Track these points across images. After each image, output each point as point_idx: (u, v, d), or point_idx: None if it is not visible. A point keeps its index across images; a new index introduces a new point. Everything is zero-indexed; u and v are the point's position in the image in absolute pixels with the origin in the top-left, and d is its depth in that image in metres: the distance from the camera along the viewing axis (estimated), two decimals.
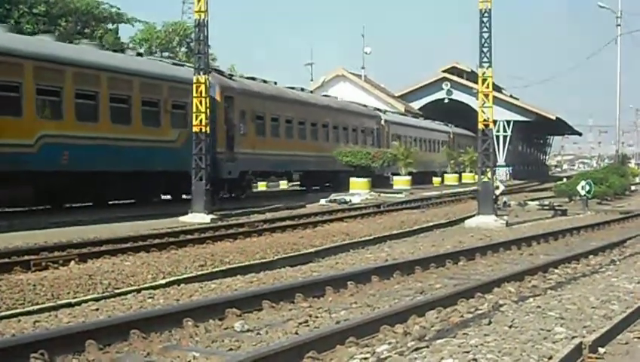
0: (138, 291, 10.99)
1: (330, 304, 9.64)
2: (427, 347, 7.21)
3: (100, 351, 7.06)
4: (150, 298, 10.38)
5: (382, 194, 35.42)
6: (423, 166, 49.68)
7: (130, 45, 54.59)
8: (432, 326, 8.14)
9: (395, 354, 7.01)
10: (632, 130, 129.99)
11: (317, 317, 8.85)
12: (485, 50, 22.80)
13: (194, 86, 23.29)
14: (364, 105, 49.14)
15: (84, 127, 23.00)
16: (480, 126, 23.15)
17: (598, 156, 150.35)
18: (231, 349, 7.44)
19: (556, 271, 12.59)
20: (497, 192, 24.16)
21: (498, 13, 47.65)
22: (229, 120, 30.13)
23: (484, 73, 23.05)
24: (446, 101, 70.12)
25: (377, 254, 15.52)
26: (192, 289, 10.99)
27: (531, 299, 9.92)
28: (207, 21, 23.52)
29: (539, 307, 9.27)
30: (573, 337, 7.62)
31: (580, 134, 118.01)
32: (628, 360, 7.30)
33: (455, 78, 70.59)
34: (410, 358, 6.86)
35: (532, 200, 32.09)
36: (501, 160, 66.79)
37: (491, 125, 23.32)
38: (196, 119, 23.20)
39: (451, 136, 64.17)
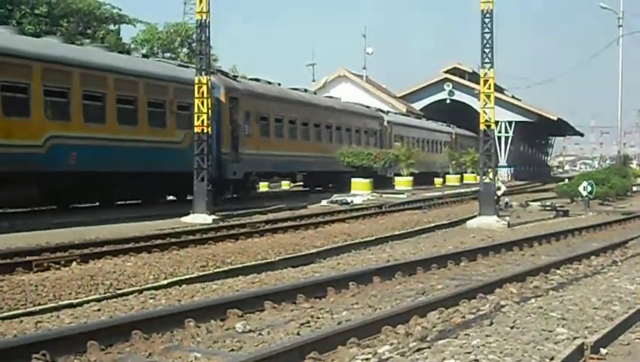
0: (140, 292, 11.00)
1: (332, 304, 9.64)
2: (429, 347, 7.21)
3: (101, 351, 7.06)
4: (152, 298, 10.39)
5: (383, 195, 35.41)
6: (424, 166, 49.70)
7: (132, 46, 54.66)
8: (434, 327, 8.13)
9: (397, 354, 7.00)
10: (634, 131, 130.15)
11: (319, 317, 8.85)
12: (487, 50, 22.79)
13: (196, 87, 23.30)
14: (367, 107, 49.21)
15: (91, 128, 23.18)
16: (482, 127, 23.14)
17: (599, 157, 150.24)
18: (232, 350, 7.44)
19: (558, 271, 12.59)
20: (499, 193, 24.15)
21: (500, 14, 47.69)
22: (233, 121, 30.24)
23: (485, 74, 23.04)
24: (448, 102, 70.12)
25: (379, 255, 15.51)
26: (193, 290, 10.99)
27: (533, 300, 9.92)
28: (209, 22, 23.54)
29: (541, 308, 9.26)
30: (575, 338, 7.62)
31: (581, 135, 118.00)
32: (630, 360, 7.30)
33: (457, 78, 70.59)
34: (412, 359, 6.86)
35: (534, 200, 32.08)
36: (503, 160, 66.80)
37: (493, 126, 23.31)
38: (198, 120, 23.21)
39: (453, 136, 64.16)
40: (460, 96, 69.01)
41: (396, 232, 20.11)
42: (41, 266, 12.73)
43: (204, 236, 17.66)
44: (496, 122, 26.06)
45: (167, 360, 7.06)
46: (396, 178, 43.74)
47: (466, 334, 7.79)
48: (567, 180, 47.16)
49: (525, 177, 72.85)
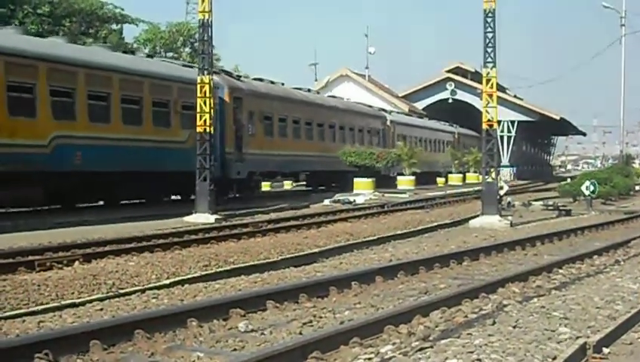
0: (142, 291, 11.00)
1: (334, 304, 9.64)
2: (431, 347, 7.21)
3: (104, 351, 7.07)
4: (154, 298, 10.39)
5: (386, 195, 35.40)
6: (427, 166, 49.71)
7: (135, 46, 54.68)
8: (437, 327, 8.13)
9: (399, 354, 7.00)
10: (636, 131, 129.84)
11: (321, 317, 8.85)
12: (489, 50, 22.77)
13: (198, 86, 23.32)
14: (370, 106, 49.30)
15: (96, 128, 23.25)
16: (484, 126, 23.12)
17: (602, 156, 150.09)
18: (235, 349, 7.44)
19: (560, 271, 12.58)
20: (501, 192, 24.15)
21: (502, 13, 47.63)
22: (237, 120, 30.34)
23: (488, 73, 23.02)
24: (450, 101, 70.10)
25: (381, 254, 15.51)
26: (196, 290, 11.00)
27: (535, 300, 9.92)
28: (212, 21, 23.57)
29: (543, 307, 9.26)
30: (578, 337, 7.62)
31: (584, 134, 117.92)
32: (632, 360, 7.29)
33: (459, 78, 70.59)
34: (415, 358, 6.86)
35: (536, 200, 32.07)
36: (505, 160, 66.79)
37: (495, 125, 23.28)
38: (200, 119, 23.24)
39: (456, 136, 64.16)
40: (463, 96, 69.01)
41: (399, 232, 20.09)
42: (44, 266, 12.72)
43: (207, 235, 17.65)
44: (499, 122, 26.07)
45: (169, 360, 7.06)
46: (398, 177, 43.73)
47: (468, 333, 7.79)
48: (569, 180, 47.13)
49: (528, 177, 72.81)
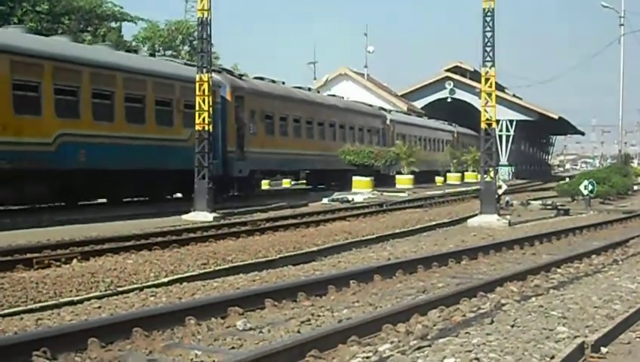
0: (140, 289, 11.00)
1: (333, 303, 9.64)
2: (429, 346, 7.21)
3: (102, 349, 7.06)
4: (152, 296, 10.38)
5: (384, 193, 35.43)
6: (425, 165, 49.80)
7: (134, 44, 54.67)
8: (435, 325, 8.13)
9: (398, 353, 7.00)
10: (635, 130, 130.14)
11: (319, 315, 8.85)
12: (488, 49, 22.78)
13: (197, 84, 23.32)
14: (370, 105, 49.44)
15: (100, 127, 23.43)
16: (483, 125, 23.13)
17: (600, 156, 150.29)
18: (233, 347, 7.44)
19: (559, 270, 12.58)
20: (500, 192, 24.16)
21: (501, 13, 47.67)
22: (239, 119, 30.55)
23: (487, 72, 23.03)
24: (449, 100, 70.14)
25: (380, 253, 15.51)
26: (194, 288, 10.99)
27: (534, 299, 9.92)
28: (211, 20, 23.57)
29: (541, 306, 9.27)
30: (576, 337, 7.62)
31: (582, 134, 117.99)
32: (630, 359, 7.30)
33: (458, 77, 70.60)
34: (413, 357, 6.86)
35: (535, 199, 32.07)
36: (504, 159, 66.81)
37: (494, 124, 23.29)
38: (199, 117, 23.24)
39: (455, 135, 64.21)
40: (461, 95, 69.03)
41: (397, 230, 20.10)
42: (42, 263, 12.73)
43: (205, 234, 17.66)
44: (497, 121, 26.06)
45: (167, 358, 7.06)
46: (397, 176, 43.81)
47: (466, 332, 7.79)
48: (568, 179, 47.17)
49: (526, 176, 72.85)
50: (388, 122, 48.71)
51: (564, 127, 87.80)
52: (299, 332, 7.99)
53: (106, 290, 10.93)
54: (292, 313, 8.94)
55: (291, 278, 11.74)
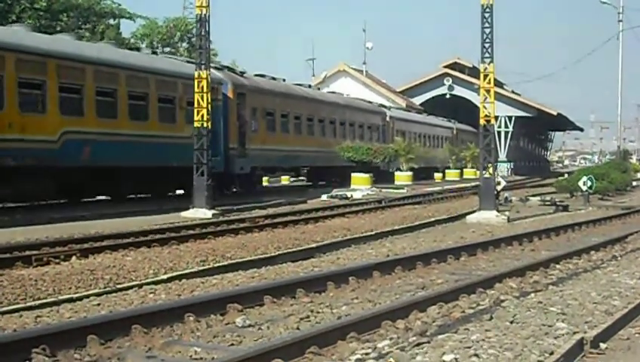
0: (139, 286, 10.99)
1: (332, 299, 9.64)
2: (428, 342, 7.21)
3: (101, 345, 7.06)
4: (152, 293, 10.38)
5: (383, 190, 35.44)
6: (424, 161, 49.84)
7: (132, 41, 54.63)
8: (434, 322, 8.14)
9: (397, 349, 7.01)
10: (633, 126, 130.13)
11: (318, 312, 8.85)
12: (487, 45, 22.74)
13: (195, 81, 23.30)
14: (370, 102, 49.53)
15: (104, 124, 23.59)
16: (481, 121, 23.11)
17: (599, 152, 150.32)
18: (232, 344, 7.44)
19: (558, 266, 12.59)
20: (499, 188, 24.14)
21: (500, 9, 47.64)
22: (241, 116, 30.78)
23: (485, 69, 23.00)
24: (447, 97, 70.14)
25: (379, 249, 15.51)
26: (193, 285, 10.99)
27: (533, 295, 9.93)
28: (209, 16, 23.53)
29: (540, 302, 9.27)
30: (575, 332, 7.63)
31: (581, 130, 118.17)
32: (629, 355, 7.30)
33: (457, 73, 70.59)
34: (412, 353, 6.86)
35: (533, 195, 32.07)
36: (502, 155, 66.83)
37: (493, 121, 23.27)
38: (197, 114, 23.22)
39: (454, 132, 64.23)
40: (460, 91, 69.02)
41: (396, 227, 20.09)
42: (41, 261, 12.73)
43: (204, 231, 17.66)
44: (496, 117, 26.02)
45: (166, 355, 7.06)
46: (396, 173, 43.84)
47: (465, 329, 7.80)
48: (566, 175, 47.20)
49: (525, 172, 72.91)
50: (388, 119, 48.80)
51: (562, 123, 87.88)
52: (298, 328, 7.99)
53: (105, 287, 10.93)
54: (291, 309, 8.94)
55: (290, 275, 11.74)
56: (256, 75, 34.95)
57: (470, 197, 31.66)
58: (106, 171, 23.90)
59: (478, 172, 26.07)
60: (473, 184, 37.11)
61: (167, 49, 56.97)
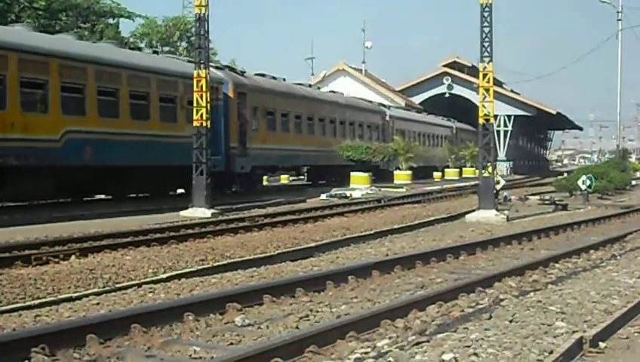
0: (139, 285, 10.99)
1: (331, 298, 9.64)
2: (428, 341, 7.21)
3: (100, 345, 7.06)
4: (151, 292, 10.38)
5: (382, 189, 35.44)
6: (423, 160, 49.87)
7: (131, 40, 54.58)
8: (433, 321, 8.14)
9: (396, 348, 7.00)
10: (633, 125, 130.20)
11: (318, 311, 8.85)
12: (486, 44, 22.75)
13: (194, 80, 23.30)
14: (370, 101, 49.62)
15: (105, 123, 23.68)
16: (481, 120, 23.12)
17: (598, 151, 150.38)
18: (231, 343, 7.44)
19: (557, 265, 12.59)
20: (498, 187, 24.15)
21: (499, 8, 47.67)
22: (241, 116, 30.91)
23: (484, 68, 23.00)
24: (447, 96, 70.17)
25: (378, 249, 15.51)
26: (192, 284, 10.99)
27: (532, 294, 9.93)
28: (208, 15, 23.53)
29: (540, 301, 9.27)
30: (574, 331, 7.63)
31: (580, 129, 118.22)
32: (629, 354, 7.30)
33: (456, 72, 70.61)
34: (411, 353, 6.86)
35: (533, 194, 32.10)
36: (502, 154, 66.87)
37: (492, 120, 23.28)
38: (197, 113, 23.21)
39: (454, 131, 64.24)
40: (459, 90, 69.04)
41: (395, 226, 20.08)
42: (40, 260, 12.72)
43: (203, 230, 17.66)
44: (495, 116, 26.00)
45: (166, 354, 7.05)
46: (395, 172, 43.86)
47: (465, 328, 7.80)
48: (566, 174, 47.23)
49: (524, 171, 72.96)
50: (387, 118, 48.88)
51: (562, 122, 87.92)
52: (297, 327, 7.99)
53: (104, 287, 10.92)
54: (290, 309, 8.94)
55: (289, 274, 11.74)
56: (257, 75, 35.04)
57: (469, 196, 31.67)
58: (107, 170, 24.03)
59: (477, 171, 26.06)
60: (472, 183, 37.12)
61: (167, 48, 56.93)
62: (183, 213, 21.94)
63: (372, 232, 18.56)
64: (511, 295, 9.78)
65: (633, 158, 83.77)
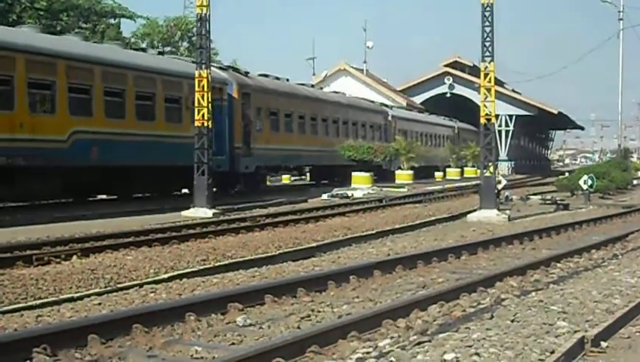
0: (140, 285, 10.99)
1: (333, 298, 9.64)
2: (429, 341, 7.21)
3: (102, 345, 7.06)
4: (152, 292, 10.38)
5: (384, 189, 35.45)
6: (425, 160, 49.90)
7: (132, 40, 54.59)
8: (435, 321, 8.13)
9: (397, 348, 7.00)
10: (634, 125, 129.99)
11: (319, 311, 8.85)
12: (487, 44, 22.74)
13: (196, 80, 23.30)
14: (372, 102, 49.72)
15: (112, 124, 23.85)
16: (482, 120, 23.11)
17: (600, 150, 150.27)
18: (233, 343, 7.44)
19: (558, 265, 12.58)
20: (499, 187, 24.15)
21: (500, 8, 47.65)
22: (245, 116, 31.10)
23: (486, 67, 22.99)
24: (448, 95, 70.12)
25: (379, 248, 15.51)
26: (194, 284, 11.00)
27: (534, 294, 9.92)
28: (209, 15, 23.53)
29: (541, 301, 9.27)
30: (576, 331, 7.62)
31: (582, 128, 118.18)
32: (630, 354, 7.30)
33: (457, 72, 70.58)
34: (413, 352, 6.86)
35: (534, 194, 32.10)
36: (503, 154, 66.84)
37: (493, 119, 23.27)
38: (198, 113, 23.21)
39: (456, 131, 64.24)
40: (461, 90, 69.01)
41: (397, 226, 20.08)
42: (42, 260, 12.72)
43: (205, 230, 17.66)
44: (497, 116, 26.03)
45: (167, 354, 7.06)
46: (397, 172, 43.88)
47: (466, 328, 7.80)
48: (567, 174, 47.20)
49: (526, 171, 72.92)
50: (390, 118, 48.97)
51: (563, 121, 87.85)
52: (299, 327, 7.99)
53: (105, 287, 10.93)
54: (292, 309, 8.94)
55: (291, 274, 11.74)
56: (260, 75, 35.17)
57: (471, 196, 31.65)
58: (114, 171, 24.20)
59: (478, 171, 26.05)
60: (474, 183, 37.10)
61: (168, 48, 56.90)
62: (184, 213, 21.95)
63: (373, 232, 18.55)
64: (512, 294, 9.78)
65: (635, 158, 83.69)
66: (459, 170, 56.25)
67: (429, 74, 72.49)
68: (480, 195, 23.52)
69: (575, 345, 7.03)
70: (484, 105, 23.00)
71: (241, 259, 13.78)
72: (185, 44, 61.13)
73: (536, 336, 7.39)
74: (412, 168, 44.11)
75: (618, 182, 36.83)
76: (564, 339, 7.29)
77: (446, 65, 72.18)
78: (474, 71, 58.91)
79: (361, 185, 35.74)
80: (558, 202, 27.25)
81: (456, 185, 42.13)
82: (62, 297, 10.10)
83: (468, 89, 65.34)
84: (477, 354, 6.75)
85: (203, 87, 23.21)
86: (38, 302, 9.81)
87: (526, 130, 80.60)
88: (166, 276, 11.85)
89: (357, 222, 20.65)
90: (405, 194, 32.40)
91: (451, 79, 70.06)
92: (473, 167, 53.96)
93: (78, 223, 18.50)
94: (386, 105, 51.78)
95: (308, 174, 44.99)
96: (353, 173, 37.13)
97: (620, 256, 14.20)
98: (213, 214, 21.85)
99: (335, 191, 31.87)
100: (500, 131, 65.63)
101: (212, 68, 24.82)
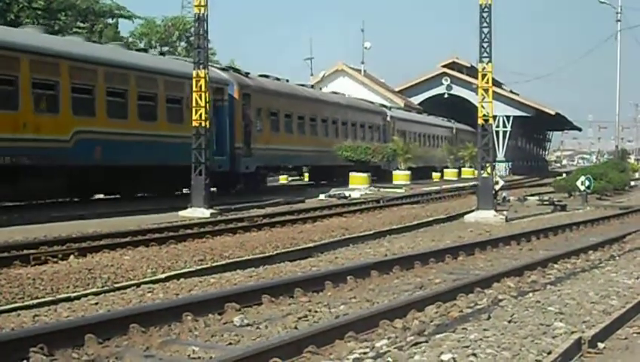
0: (137, 285, 10.98)
1: (330, 298, 9.64)
2: (426, 342, 7.21)
3: (99, 345, 7.06)
4: (149, 292, 10.38)
5: (381, 189, 35.46)
6: (422, 161, 49.94)
7: (130, 40, 54.56)
8: (432, 321, 8.14)
9: (394, 348, 7.00)
10: (631, 126, 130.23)
11: (316, 311, 8.85)
12: (485, 45, 22.75)
13: (193, 80, 23.29)
14: (371, 102, 49.84)
15: (114, 124, 24.00)
16: (480, 121, 23.13)
17: (597, 151, 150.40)
18: (230, 343, 7.44)
19: (556, 266, 12.59)
20: (497, 187, 24.16)
21: (498, 8, 47.68)
22: (246, 116, 31.22)
23: (483, 68, 23.01)
24: (446, 96, 70.11)
25: (377, 249, 15.51)
26: (191, 284, 10.99)
27: (531, 294, 9.93)
28: (207, 15, 23.52)
29: (538, 302, 9.27)
30: (573, 332, 7.63)
31: (579, 130, 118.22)
32: (627, 355, 7.30)
33: (455, 73, 70.55)
34: (410, 353, 6.86)
35: (531, 195, 32.11)
36: (501, 155, 66.82)
37: (491, 120, 23.29)
38: (196, 113, 23.20)
39: (454, 131, 64.28)
40: (458, 91, 69.00)
41: (394, 226, 20.08)
42: (39, 260, 12.71)
43: (202, 230, 17.66)
44: (494, 117, 26.01)
45: (164, 354, 7.05)
46: (394, 172, 43.89)
47: (463, 328, 7.80)
48: (564, 175, 47.23)
49: (523, 172, 72.89)
50: (388, 119, 49.06)
51: (561, 122, 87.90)
52: (296, 328, 7.99)
53: (103, 286, 10.92)
54: (289, 309, 8.94)
55: (288, 274, 11.73)
56: (261, 76, 35.25)
57: (468, 196, 31.67)
58: (116, 170, 24.37)
59: (476, 171, 26.07)
60: (471, 183, 37.13)
61: (166, 48, 56.90)
62: (181, 213, 21.94)
63: (371, 232, 18.56)
64: (509, 295, 9.78)
65: (632, 159, 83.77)
66: (456, 170, 56.27)
67: (426, 74, 72.47)
68: (477, 196, 23.53)
69: (572, 346, 7.03)
70: (482, 106, 23.02)
71: (238, 259, 13.77)
72: (182, 44, 61.15)
73: (533, 337, 7.40)
74: (410, 169, 44.13)
75: (615, 184, 36.88)
76: (561, 340, 7.30)
77: (444, 66, 72.17)
78: (472, 72, 58.91)
79: (358, 185, 35.78)
80: (556, 203, 27.27)
81: (454, 185, 42.13)
82: (59, 297, 10.09)
83: (466, 90, 65.34)
84: (474, 354, 6.75)
85: (201, 87, 23.20)
86: (35, 301, 9.80)
87: (523, 130, 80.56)
88: (163, 276, 11.84)
89: (354, 223, 20.66)
90: (403, 195, 32.40)
91: (449, 80, 70.05)
92: (471, 167, 53.99)
93: (76, 223, 18.48)
94: (385, 106, 51.85)
95: (307, 174, 45.09)
96: (350, 174, 37.17)
97: (617, 257, 14.21)
98: (211, 214, 21.84)
99: (332, 191, 31.88)
100: (497, 132, 65.56)
101: (213, 68, 24.97)
